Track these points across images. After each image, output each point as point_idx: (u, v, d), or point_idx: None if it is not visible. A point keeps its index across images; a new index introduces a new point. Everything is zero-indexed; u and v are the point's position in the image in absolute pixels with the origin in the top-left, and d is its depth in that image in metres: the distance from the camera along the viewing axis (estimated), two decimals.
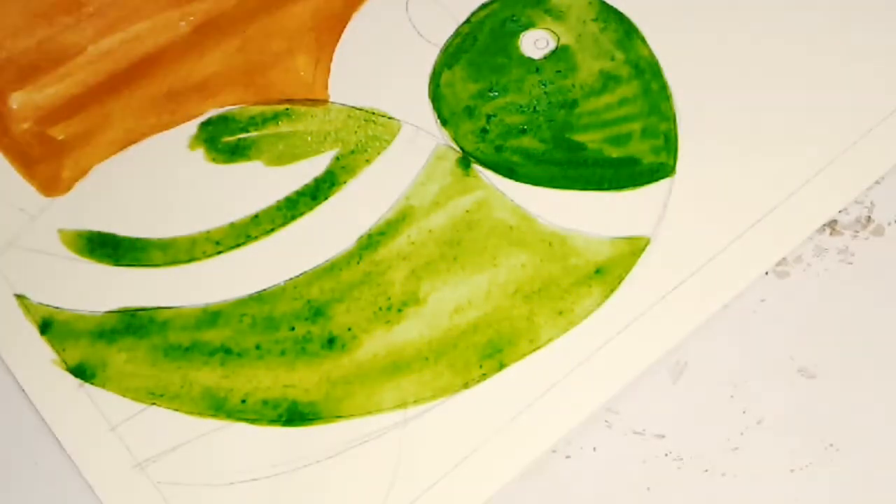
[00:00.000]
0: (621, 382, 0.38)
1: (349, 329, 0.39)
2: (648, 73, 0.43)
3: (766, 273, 0.39)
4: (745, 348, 0.38)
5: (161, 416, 0.38)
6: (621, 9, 0.45)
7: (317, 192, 0.42)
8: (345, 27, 0.46)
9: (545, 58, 0.44)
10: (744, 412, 0.37)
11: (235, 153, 0.43)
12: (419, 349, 0.39)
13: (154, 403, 0.39)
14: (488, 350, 0.38)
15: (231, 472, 0.37)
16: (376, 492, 0.36)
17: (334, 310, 0.40)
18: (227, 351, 0.39)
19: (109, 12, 0.47)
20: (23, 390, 0.39)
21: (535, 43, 0.44)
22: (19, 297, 0.41)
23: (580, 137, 0.42)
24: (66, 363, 0.39)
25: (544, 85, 0.44)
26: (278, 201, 0.42)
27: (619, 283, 0.39)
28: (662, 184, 0.41)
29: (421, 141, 0.43)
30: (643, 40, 0.44)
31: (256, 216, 0.42)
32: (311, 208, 0.42)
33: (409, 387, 0.38)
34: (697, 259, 0.40)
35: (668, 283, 0.39)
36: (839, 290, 0.39)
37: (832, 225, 0.40)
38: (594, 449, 0.37)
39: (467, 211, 0.41)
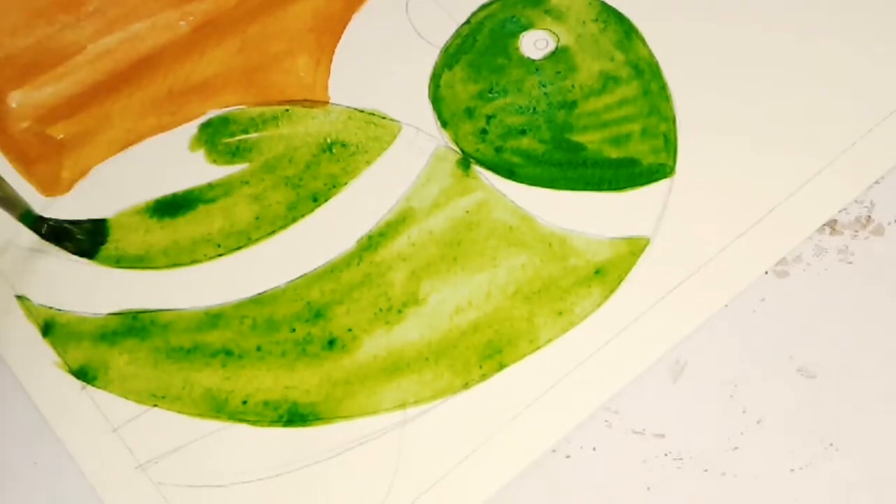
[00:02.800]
0: (621, 382, 0.38)
1: (349, 330, 0.39)
2: (648, 74, 0.43)
3: (766, 273, 0.39)
4: (745, 348, 0.38)
5: (163, 417, 0.38)
6: (621, 9, 0.45)
7: (317, 193, 0.42)
8: (345, 28, 0.46)
9: (545, 58, 0.44)
10: (744, 412, 0.37)
11: (236, 154, 0.43)
12: (419, 350, 0.39)
13: (156, 405, 0.39)
14: (488, 350, 0.38)
15: (232, 473, 0.37)
16: (376, 492, 0.37)
17: (334, 311, 0.40)
18: (228, 352, 0.39)
19: (109, 11, 0.47)
20: (25, 392, 0.39)
21: (534, 44, 0.44)
22: (20, 298, 0.41)
23: (580, 138, 0.42)
24: (68, 365, 0.39)
25: (544, 86, 0.44)
26: (279, 203, 0.42)
27: (619, 283, 0.39)
28: (662, 184, 0.41)
29: (421, 142, 0.43)
30: (643, 41, 0.44)
31: (257, 218, 0.42)
32: (311, 210, 0.42)
33: (410, 387, 0.38)
34: (697, 259, 0.40)
35: (668, 283, 0.39)
36: (839, 290, 0.39)
37: (832, 225, 0.40)
38: (594, 449, 0.37)
39: (467, 212, 0.41)
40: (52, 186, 0.44)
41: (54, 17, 0.47)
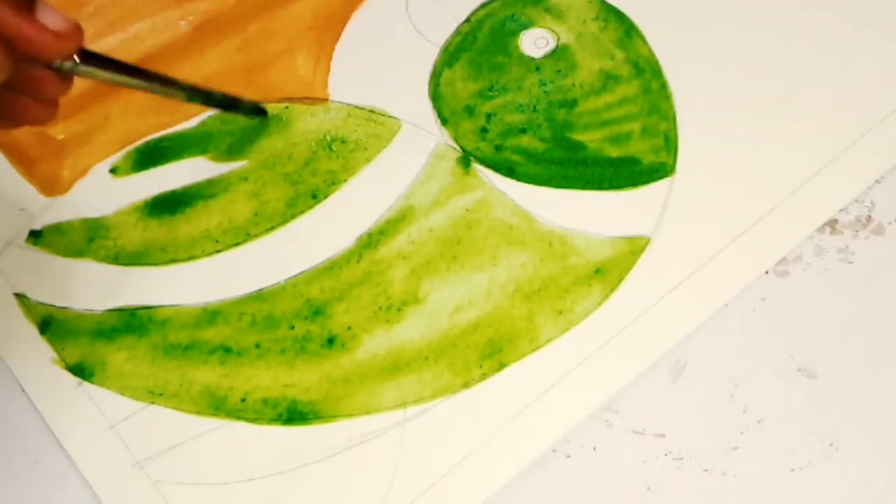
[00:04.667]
0: (621, 382, 0.38)
1: (349, 328, 0.39)
2: (648, 73, 0.43)
3: (766, 272, 0.39)
4: (745, 348, 0.38)
5: (160, 414, 0.38)
6: (621, 8, 0.45)
7: (316, 190, 0.42)
8: (345, 26, 0.46)
9: (545, 57, 0.44)
10: (744, 411, 0.37)
11: (235, 151, 0.43)
12: (419, 349, 0.39)
13: (153, 402, 0.38)
14: (488, 350, 0.38)
15: (230, 471, 0.37)
16: (376, 491, 0.36)
17: (334, 309, 0.40)
18: (227, 350, 0.39)
19: (109, 12, 0.47)
20: (22, 389, 0.39)
21: (535, 42, 0.45)
22: (19, 296, 0.41)
23: (580, 137, 0.42)
24: (65, 362, 0.39)
25: (544, 84, 0.44)
26: (277, 199, 0.42)
27: (619, 282, 0.39)
28: (662, 183, 0.41)
29: (421, 140, 0.43)
30: (643, 39, 0.44)
31: (255, 214, 0.42)
32: (310, 207, 0.42)
33: (409, 386, 0.38)
34: (697, 258, 0.39)
35: (668, 282, 0.39)
36: (839, 290, 0.39)
37: (832, 224, 0.40)
38: (594, 449, 0.37)
39: (467, 210, 0.41)
40: (52, 186, 0.44)
41: None
